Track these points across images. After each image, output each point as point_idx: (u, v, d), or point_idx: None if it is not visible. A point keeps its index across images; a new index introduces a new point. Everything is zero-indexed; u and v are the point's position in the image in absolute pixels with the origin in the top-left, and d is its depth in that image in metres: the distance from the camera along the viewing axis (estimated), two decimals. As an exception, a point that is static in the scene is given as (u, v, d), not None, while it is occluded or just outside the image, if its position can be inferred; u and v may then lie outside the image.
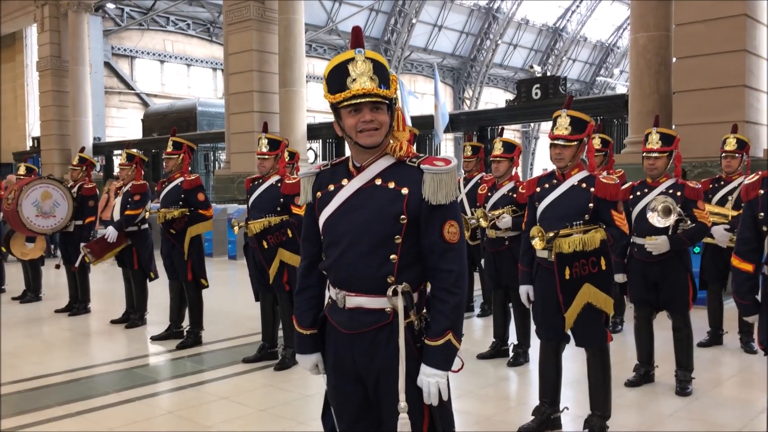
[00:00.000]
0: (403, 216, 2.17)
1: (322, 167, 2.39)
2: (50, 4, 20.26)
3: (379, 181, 2.22)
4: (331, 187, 2.30)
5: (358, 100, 2.16)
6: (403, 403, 2.16)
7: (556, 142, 3.88)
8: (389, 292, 2.18)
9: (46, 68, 20.70)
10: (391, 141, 2.25)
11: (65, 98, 20.41)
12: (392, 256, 2.19)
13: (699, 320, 5.72)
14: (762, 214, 3.04)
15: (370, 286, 2.21)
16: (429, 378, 2.16)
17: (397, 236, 2.18)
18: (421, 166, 2.19)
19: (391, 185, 2.21)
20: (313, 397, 4.69)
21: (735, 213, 5.58)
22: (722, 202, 5.85)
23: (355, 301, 2.24)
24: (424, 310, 2.25)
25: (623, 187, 4.90)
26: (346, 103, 2.17)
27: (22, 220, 7.51)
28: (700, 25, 8.79)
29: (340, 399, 2.36)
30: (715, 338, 6.03)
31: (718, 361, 5.66)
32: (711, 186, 6.00)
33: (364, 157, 2.26)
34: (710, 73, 8.74)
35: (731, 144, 5.88)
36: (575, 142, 3.85)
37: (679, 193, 4.63)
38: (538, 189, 4.03)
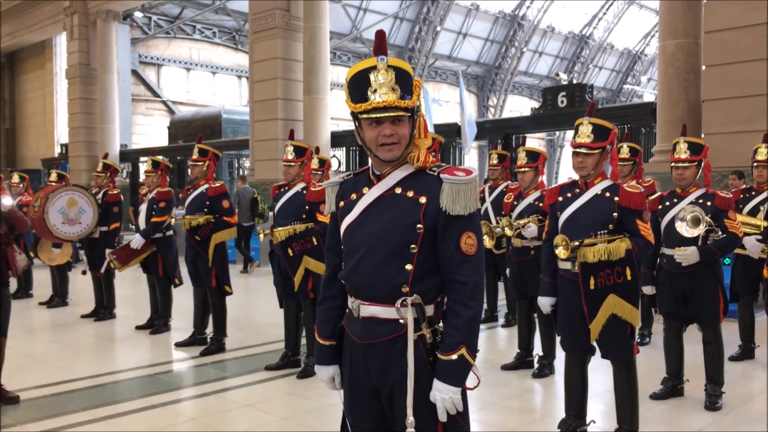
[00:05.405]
0: (419, 225, 2.15)
1: (345, 177, 2.38)
2: (79, 13, 20.55)
3: (398, 190, 2.20)
4: (353, 196, 2.29)
5: (379, 114, 2.12)
6: (411, 419, 2.12)
7: (578, 150, 3.82)
8: (398, 303, 2.14)
9: (74, 76, 20.99)
10: (412, 149, 2.22)
11: (93, 105, 20.67)
12: (407, 266, 2.16)
13: (730, 334, 5.61)
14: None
15: (384, 295, 2.18)
16: (442, 394, 2.10)
17: (413, 245, 2.15)
18: (441, 175, 2.16)
19: (410, 194, 2.18)
20: (336, 406, 4.67)
21: (767, 223, 5.47)
22: (753, 213, 5.74)
23: (369, 310, 2.21)
24: (440, 324, 2.18)
25: (652, 197, 4.82)
26: (366, 116, 2.13)
27: (48, 227, 7.60)
28: (730, 33, 8.66)
29: (355, 412, 2.33)
30: (746, 352, 5.91)
31: (749, 375, 5.54)
32: (742, 196, 5.90)
33: (385, 165, 2.23)
34: (740, 81, 8.61)
35: (763, 153, 5.77)
36: (598, 150, 3.78)
37: (709, 203, 4.53)
38: (560, 198, 3.97)
